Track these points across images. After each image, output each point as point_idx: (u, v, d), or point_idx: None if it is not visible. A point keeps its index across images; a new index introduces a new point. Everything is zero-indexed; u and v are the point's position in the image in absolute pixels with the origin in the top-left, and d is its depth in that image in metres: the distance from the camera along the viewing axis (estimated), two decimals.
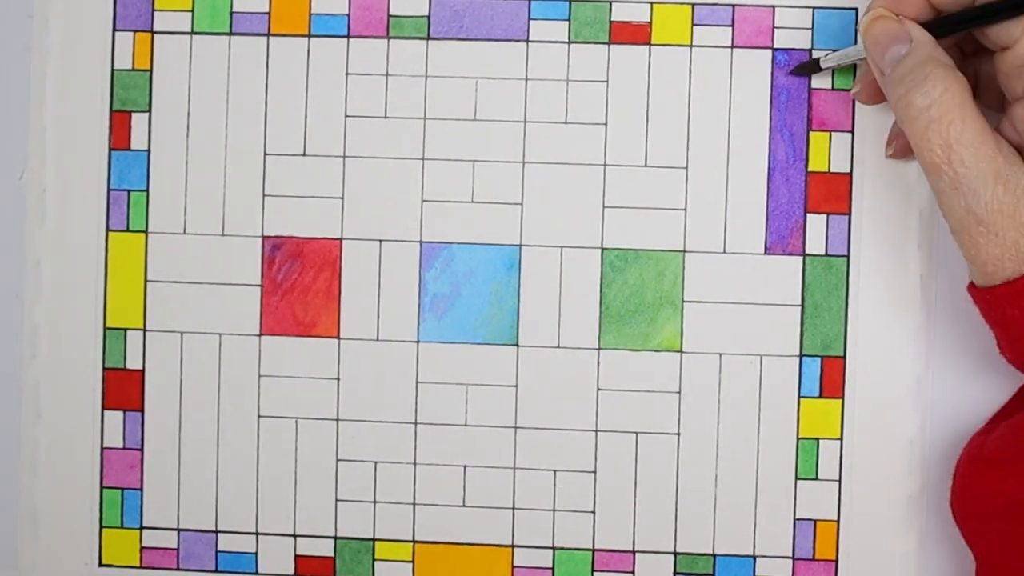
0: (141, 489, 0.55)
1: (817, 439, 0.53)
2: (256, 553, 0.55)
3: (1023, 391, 0.51)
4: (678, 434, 0.53)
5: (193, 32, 0.54)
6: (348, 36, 0.54)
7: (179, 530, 0.55)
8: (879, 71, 0.47)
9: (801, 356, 0.53)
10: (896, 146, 0.51)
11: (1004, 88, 0.47)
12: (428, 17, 0.54)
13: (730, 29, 0.53)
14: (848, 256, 0.53)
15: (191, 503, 0.55)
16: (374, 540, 0.54)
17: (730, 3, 0.53)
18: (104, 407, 0.55)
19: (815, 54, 0.52)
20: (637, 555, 0.54)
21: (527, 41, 0.53)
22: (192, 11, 0.54)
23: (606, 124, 0.53)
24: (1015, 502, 0.47)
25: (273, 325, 0.54)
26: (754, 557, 0.53)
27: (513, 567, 0.54)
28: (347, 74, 0.54)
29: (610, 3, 0.53)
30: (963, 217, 0.45)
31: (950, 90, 0.44)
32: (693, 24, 0.53)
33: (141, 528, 0.55)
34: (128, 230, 0.55)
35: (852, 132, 0.53)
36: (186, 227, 0.54)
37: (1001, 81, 0.47)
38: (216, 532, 0.55)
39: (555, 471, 0.54)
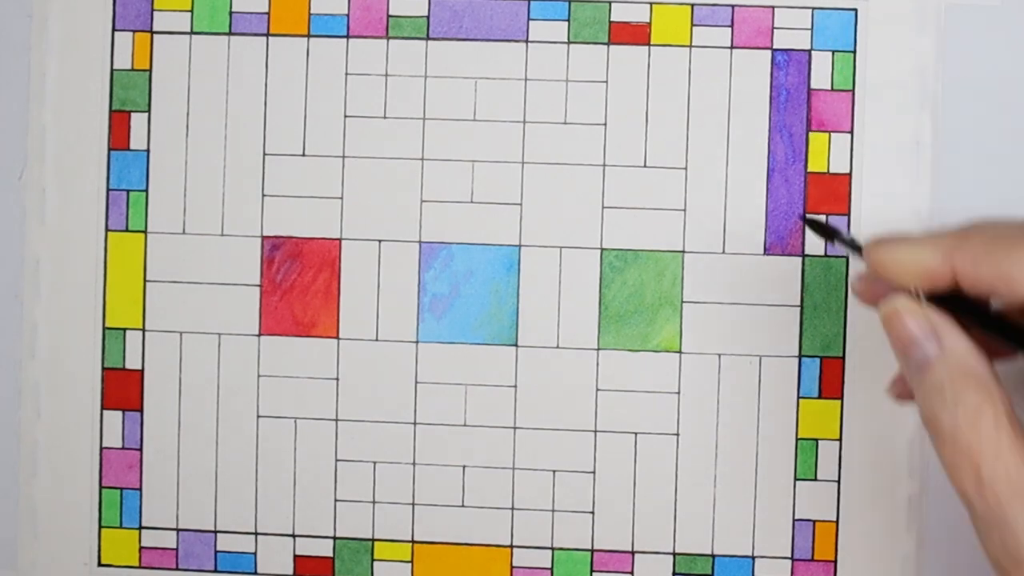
0: (140, 489, 0.55)
1: (816, 440, 0.53)
2: (255, 553, 0.55)
3: None
4: (677, 434, 0.53)
5: (192, 32, 0.54)
6: (347, 36, 0.54)
7: (178, 530, 0.55)
8: (904, 367, 0.41)
9: (800, 357, 0.53)
10: (899, 389, 0.46)
11: None
12: (427, 17, 0.54)
13: (729, 30, 0.53)
14: (847, 257, 0.53)
15: (190, 503, 0.55)
16: (373, 540, 0.54)
17: (729, 4, 0.53)
18: (103, 407, 0.55)
19: (815, 61, 0.53)
20: (636, 555, 0.54)
21: (526, 41, 0.53)
22: (191, 11, 0.54)
23: (605, 124, 0.53)
24: None
25: (272, 325, 0.54)
26: (753, 558, 0.53)
27: (512, 567, 0.54)
28: (346, 74, 0.54)
29: (609, 3, 0.53)
30: (999, 553, 0.39)
31: (984, 415, 0.38)
32: (692, 24, 0.53)
33: (140, 528, 0.55)
34: (127, 230, 0.55)
35: (851, 133, 0.53)
36: (185, 227, 0.54)
37: None
38: (215, 532, 0.55)
39: (554, 471, 0.54)
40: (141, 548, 0.55)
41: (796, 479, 0.53)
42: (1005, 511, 0.38)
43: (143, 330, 0.55)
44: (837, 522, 0.53)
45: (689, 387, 0.53)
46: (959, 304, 0.40)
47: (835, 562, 0.53)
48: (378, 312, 0.54)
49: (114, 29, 0.54)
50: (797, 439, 0.53)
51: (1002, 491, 0.38)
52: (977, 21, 0.53)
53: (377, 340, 0.54)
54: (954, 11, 0.53)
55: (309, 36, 0.54)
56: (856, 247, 0.43)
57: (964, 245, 0.39)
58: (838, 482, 0.53)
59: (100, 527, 0.55)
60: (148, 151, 0.54)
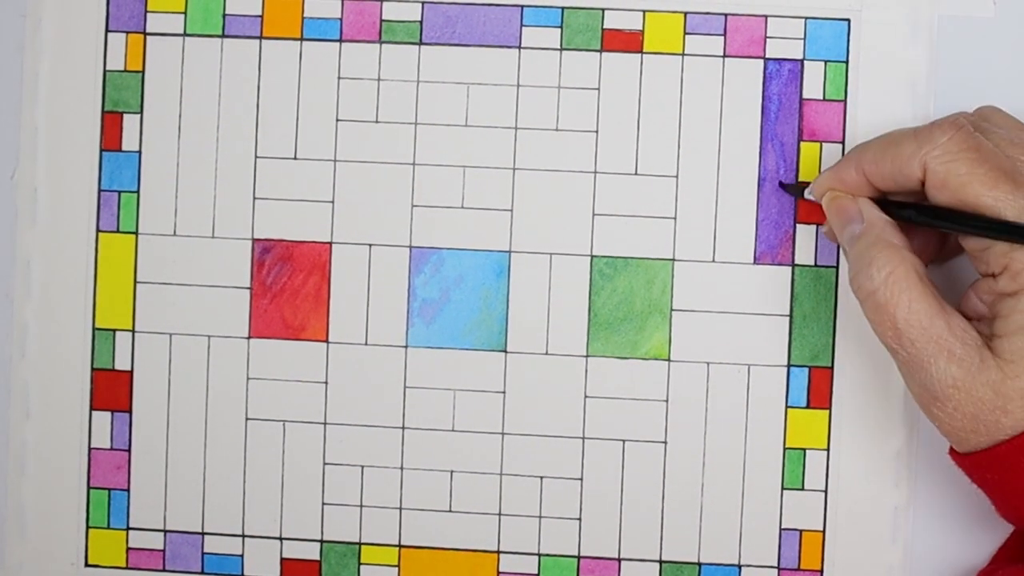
0: (128, 490, 0.55)
1: (804, 449, 0.53)
2: (242, 555, 0.55)
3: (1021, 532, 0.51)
4: (665, 442, 0.53)
5: (185, 34, 0.54)
6: (340, 40, 0.54)
7: (165, 531, 0.55)
8: (843, 244, 0.48)
9: (789, 366, 0.53)
10: (827, 229, 0.51)
11: (973, 263, 0.47)
12: (421, 22, 0.54)
13: (722, 38, 0.53)
14: (837, 267, 0.53)
15: (178, 504, 0.55)
16: (360, 544, 0.55)
17: (722, 12, 0.53)
18: (92, 407, 0.55)
19: (807, 70, 0.53)
20: (623, 563, 0.54)
21: (519, 48, 0.53)
22: (185, 13, 0.54)
23: (597, 132, 0.53)
24: None
25: (262, 328, 0.54)
26: (739, 566, 0.53)
27: (499, 573, 0.54)
28: (339, 78, 0.54)
29: (602, 11, 0.53)
30: (919, 394, 0.46)
31: (895, 273, 0.45)
32: (685, 33, 0.53)
33: (128, 529, 0.55)
34: (118, 231, 0.55)
35: (843, 142, 0.53)
36: (176, 229, 0.54)
37: (970, 257, 0.47)
38: (202, 534, 0.55)
39: (542, 478, 0.54)
40: (128, 549, 0.55)
41: (783, 488, 0.53)
42: (920, 353, 0.45)
43: (133, 331, 0.55)
44: (824, 531, 0.53)
45: (677, 395, 0.53)
46: (902, 209, 0.48)
47: (821, 571, 0.53)
48: (368, 316, 0.54)
49: (107, 30, 0.54)
50: (785, 448, 0.53)
51: (916, 337, 0.45)
52: (969, 32, 0.53)
53: (366, 344, 0.54)
54: (946, 22, 0.53)
55: (302, 39, 0.54)
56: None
57: (864, 152, 0.48)
58: (825, 492, 0.53)
59: (88, 527, 0.55)
60: (140, 152, 0.54)
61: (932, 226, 0.47)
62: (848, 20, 0.52)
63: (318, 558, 0.55)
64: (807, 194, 0.50)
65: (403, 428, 0.54)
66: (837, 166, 0.49)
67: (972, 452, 0.46)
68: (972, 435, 0.45)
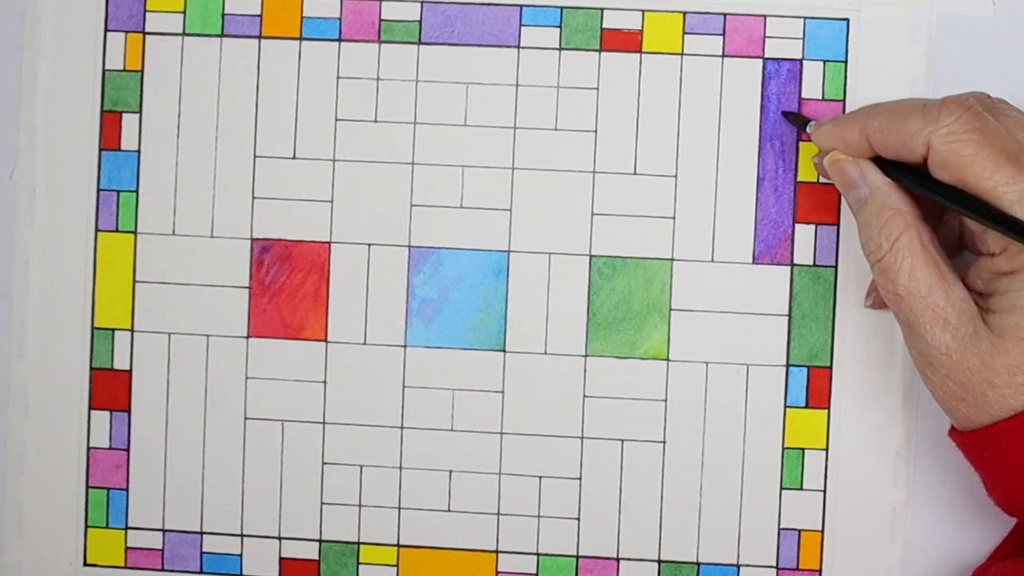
0: (127, 489, 0.55)
1: (803, 449, 0.53)
2: (241, 555, 0.55)
3: (1018, 529, 0.52)
4: (664, 442, 0.53)
5: (185, 33, 0.54)
6: (339, 40, 0.54)
7: (164, 531, 0.55)
8: (849, 204, 0.49)
9: (788, 366, 0.53)
10: (875, 298, 0.52)
11: (973, 240, 0.48)
12: (420, 22, 0.54)
13: (721, 38, 0.53)
14: (836, 267, 0.53)
15: (176, 504, 0.55)
16: (359, 544, 0.55)
17: (721, 12, 0.53)
18: (91, 407, 0.55)
19: (806, 70, 0.53)
20: (621, 562, 0.54)
21: (518, 47, 0.53)
22: (184, 12, 0.54)
23: (596, 131, 0.53)
24: None
25: (261, 327, 0.54)
26: (738, 566, 0.53)
27: (497, 572, 0.54)
28: (338, 78, 0.54)
29: (601, 10, 0.53)
30: (916, 358, 0.47)
31: (899, 240, 0.46)
32: (684, 32, 0.53)
33: (126, 528, 0.55)
34: (117, 230, 0.55)
35: None
36: (175, 228, 0.54)
37: (971, 235, 0.48)
38: (201, 533, 0.55)
39: (540, 477, 0.54)
40: (127, 548, 0.55)
41: (782, 488, 0.53)
42: (917, 320, 0.46)
43: (132, 330, 0.55)
44: (822, 531, 0.53)
45: (676, 395, 0.53)
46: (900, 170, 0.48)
47: (820, 571, 0.53)
48: (366, 316, 0.54)
49: (106, 29, 0.54)
50: (783, 448, 0.53)
51: (915, 304, 0.46)
52: (968, 32, 0.53)
53: (365, 344, 0.54)
54: (945, 22, 0.53)
55: (301, 39, 0.54)
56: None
57: (871, 119, 0.47)
58: (824, 491, 0.53)
59: (86, 527, 0.55)
60: (139, 152, 0.54)
61: (927, 195, 0.47)
62: (847, 20, 0.52)
63: (317, 558, 0.55)
64: (808, 129, 0.50)
65: (402, 428, 0.54)
66: (841, 122, 0.48)
67: (970, 430, 0.46)
68: (961, 404, 0.46)
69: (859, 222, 0.48)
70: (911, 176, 0.47)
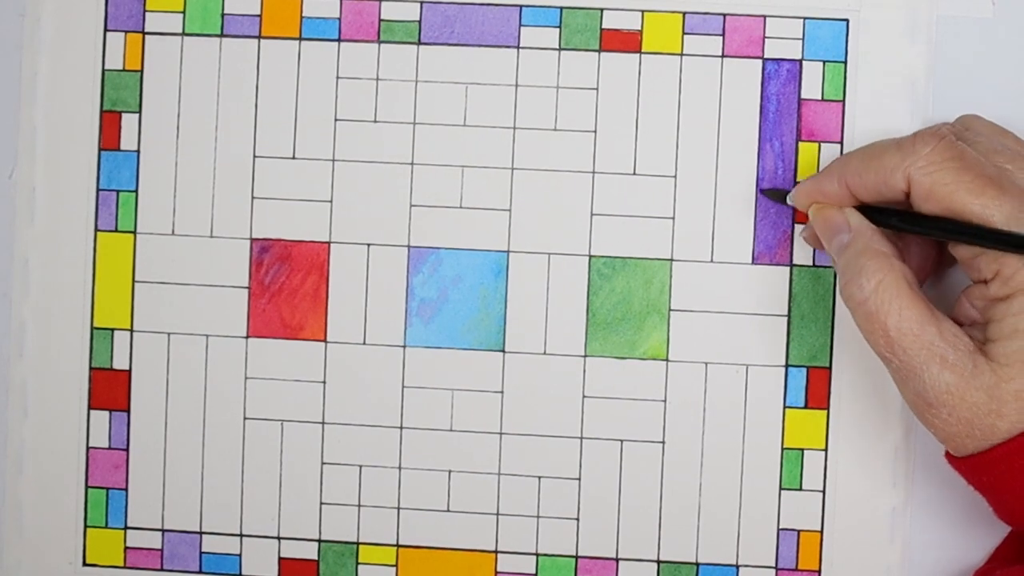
0: (126, 489, 0.55)
1: (802, 449, 0.53)
2: (240, 555, 0.55)
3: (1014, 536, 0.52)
4: (663, 442, 0.54)
5: (184, 33, 0.54)
6: (339, 40, 0.54)
7: (163, 531, 0.55)
8: (830, 255, 0.49)
9: (787, 366, 0.53)
10: (807, 234, 0.52)
11: (964, 270, 0.47)
12: (419, 22, 0.54)
13: (720, 38, 0.53)
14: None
15: (176, 504, 0.55)
16: (358, 544, 0.55)
17: (721, 12, 0.53)
18: (90, 407, 0.55)
19: (805, 70, 0.53)
20: (620, 563, 0.54)
21: (517, 47, 0.53)
22: (183, 12, 0.54)
23: (595, 131, 0.53)
24: None
25: (260, 327, 0.54)
26: (737, 566, 0.53)
27: (496, 572, 0.54)
28: (337, 78, 0.54)
29: (601, 11, 0.53)
30: (914, 401, 0.46)
31: (884, 281, 0.45)
32: (684, 33, 0.53)
33: (125, 528, 0.55)
34: (117, 230, 0.55)
35: (841, 143, 0.53)
36: (174, 228, 0.54)
37: (961, 264, 0.47)
38: (200, 533, 0.55)
39: (539, 477, 0.54)
40: (126, 548, 0.55)
41: (781, 488, 0.53)
42: (912, 360, 0.45)
43: (131, 330, 0.55)
44: (821, 532, 0.53)
45: (675, 395, 0.53)
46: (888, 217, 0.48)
47: (819, 571, 0.53)
48: (366, 316, 0.54)
49: (106, 29, 0.54)
50: (783, 448, 0.53)
51: (908, 345, 0.45)
52: (968, 32, 0.53)
53: (365, 344, 0.54)
54: (945, 22, 0.53)
55: (300, 39, 0.54)
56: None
57: (847, 165, 0.48)
58: (823, 492, 0.53)
59: (85, 527, 0.55)
60: (138, 152, 0.54)
61: (918, 233, 0.47)
62: (847, 20, 0.52)
63: (316, 558, 0.55)
64: (789, 200, 0.50)
65: (401, 428, 0.54)
66: (819, 177, 0.49)
67: (968, 456, 0.46)
68: (968, 440, 0.45)
69: (840, 268, 0.47)
70: (896, 218, 0.47)
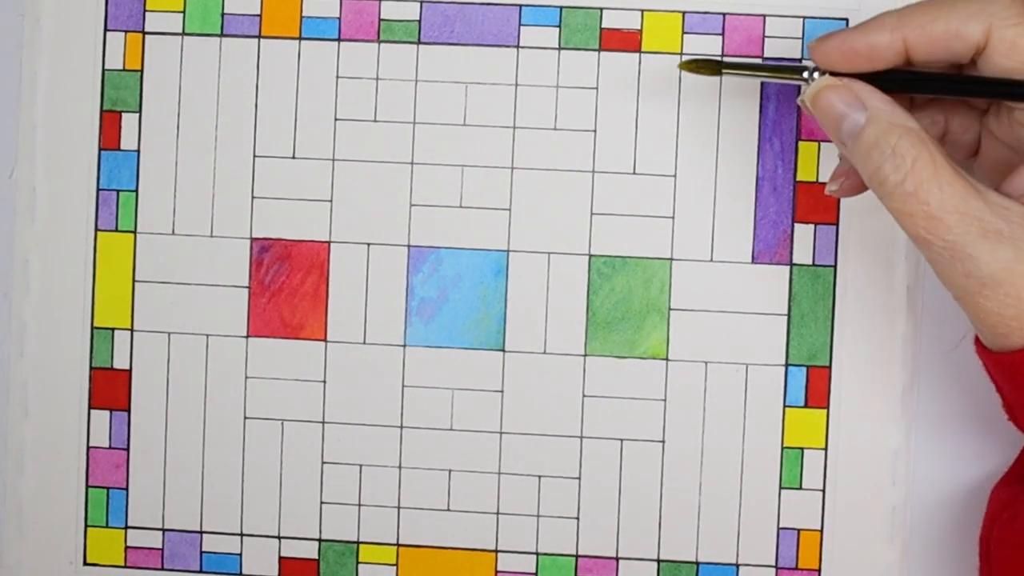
0: (126, 489, 0.55)
1: (802, 449, 0.53)
2: (240, 554, 0.55)
3: None
4: (663, 441, 0.54)
5: (184, 33, 0.54)
6: (339, 39, 0.54)
7: (164, 530, 0.55)
8: (839, 144, 0.44)
9: (787, 365, 0.53)
10: (844, 184, 0.47)
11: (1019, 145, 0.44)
12: (419, 21, 0.54)
13: (720, 38, 0.53)
14: (835, 266, 0.53)
15: (176, 503, 0.55)
16: (358, 543, 0.55)
17: (721, 12, 0.53)
18: (91, 406, 0.55)
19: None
20: (620, 562, 0.54)
21: (517, 47, 0.53)
22: (183, 12, 0.54)
23: (595, 131, 0.53)
24: None
25: (260, 327, 0.54)
26: (737, 566, 0.53)
27: (497, 571, 0.54)
28: (337, 77, 0.54)
29: (601, 10, 0.53)
30: (964, 283, 0.42)
31: (920, 158, 0.41)
32: (683, 32, 0.53)
33: (126, 528, 0.55)
34: (117, 230, 0.55)
35: None
36: (175, 228, 0.54)
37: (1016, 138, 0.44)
38: (201, 533, 0.55)
39: (540, 477, 0.54)
40: (127, 548, 0.55)
41: (781, 487, 0.53)
42: (959, 237, 0.41)
43: (131, 330, 0.55)
44: (821, 531, 0.53)
45: (675, 394, 0.53)
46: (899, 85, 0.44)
47: (819, 571, 0.53)
48: (366, 315, 0.54)
49: (106, 29, 0.54)
50: (782, 448, 0.53)
51: (953, 220, 0.41)
52: None
53: (365, 343, 0.54)
54: None
55: (300, 39, 0.54)
56: (791, 68, 0.46)
57: (909, 18, 0.42)
58: (823, 491, 0.53)
59: (86, 526, 0.55)
60: (139, 151, 0.54)
61: (965, 97, 0.43)
62: (847, 20, 0.52)
63: (316, 557, 0.55)
64: (809, 57, 0.45)
65: (401, 427, 0.54)
66: (864, 29, 0.43)
67: (1014, 351, 0.42)
68: (1017, 328, 0.41)
69: (860, 154, 0.42)
70: (944, 81, 0.43)
